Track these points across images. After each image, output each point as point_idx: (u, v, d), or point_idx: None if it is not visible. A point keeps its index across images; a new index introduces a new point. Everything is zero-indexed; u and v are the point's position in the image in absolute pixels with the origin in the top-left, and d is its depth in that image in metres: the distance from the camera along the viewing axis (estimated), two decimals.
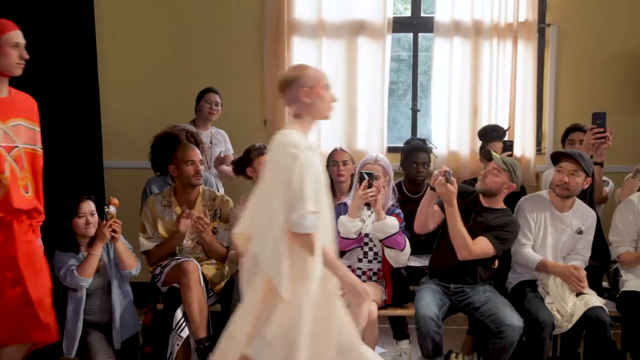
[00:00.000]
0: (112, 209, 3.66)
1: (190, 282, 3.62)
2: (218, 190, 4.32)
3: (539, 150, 5.26)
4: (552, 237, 3.69)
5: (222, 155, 4.86)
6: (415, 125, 5.44)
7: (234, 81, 5.23)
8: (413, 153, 4.34)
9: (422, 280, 3.79)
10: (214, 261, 3.96)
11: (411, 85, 5.44)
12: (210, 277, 3.86)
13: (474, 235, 3.55)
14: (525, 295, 3.63)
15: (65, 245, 3.65)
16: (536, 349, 3.48)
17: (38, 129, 3.12)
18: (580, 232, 3.70)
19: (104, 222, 3.66)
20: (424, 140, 4.52)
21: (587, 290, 3.58)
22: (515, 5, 5.07)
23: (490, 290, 3.67)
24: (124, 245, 3.76)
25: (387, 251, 3.64)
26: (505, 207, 3.69)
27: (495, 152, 3.75)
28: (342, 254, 3.78)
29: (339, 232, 3.71)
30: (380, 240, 3.64)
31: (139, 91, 5.30)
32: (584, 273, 3.55)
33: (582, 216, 3.71)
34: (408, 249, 3.68)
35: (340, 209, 3.91)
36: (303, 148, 2.62)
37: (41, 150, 3.12)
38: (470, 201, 3.70)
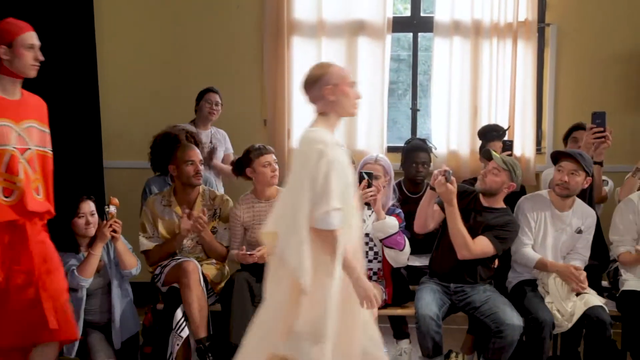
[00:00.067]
0: (112, 209, 3.66)
1: (190, 281, 3.63)
2: (217, 190, 4.32)
3: (538, 149, 5.26)
4: (552, 237, 3.70)
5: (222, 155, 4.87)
6: (415, 125, 5.44)
7: (234, 81, 5.23)
8: (413, 153, 4.34)
9: (422, 279, 3.79)
10: (214, 261, 3.97)
11: (411, 85, 5.44)
12: (211, 277, 3.86)
13: (474, 235, 3.56)
14: (525, 295, 3.63)
15: (65, 245, 3.64)
16: (536, 349, 3.48)
17: (48, 130, 3.11)
18: (580, 231, 3.70)
19: (104, 222, 3.66)
20: (424, 140, 4.52)
21: (587, 289, 3.59)
22: (515, 4, 5.07)
23: (490, 289, 3.67)
24: (124, 245, 3.76)
25: (386, 251, 3.64)
26: (505, 206, 3.69)
27: (495, 151, 3.75)
28: None
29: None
30: (380, 240, 3.64)
31: (138, 91, 5.30)
32: (584, 274, 3.55)
33: (582, 215, 3.72)
34: (408, 248, 3.68)
35: None
36: (330, 145, 2.63)
37: (51, 153, 3.11)
38: (470, 201, 3.70)
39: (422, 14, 5.37)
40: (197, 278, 3.66)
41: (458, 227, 3.51)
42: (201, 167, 3.95)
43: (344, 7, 5.16)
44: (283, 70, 5.15)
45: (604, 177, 4.21)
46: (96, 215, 3.70)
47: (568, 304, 3.53)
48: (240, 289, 3.65)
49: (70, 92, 5.04)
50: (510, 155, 4.00)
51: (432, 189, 3.58)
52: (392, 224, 3.60)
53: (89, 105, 5.14)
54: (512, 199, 3.80)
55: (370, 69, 5.15)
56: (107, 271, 3.73)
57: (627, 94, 5.19)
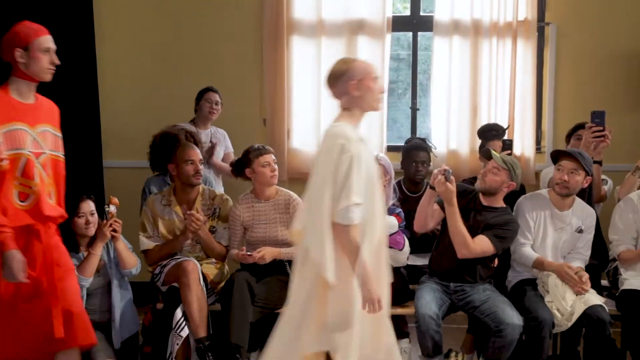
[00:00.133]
0: (112, 209, 3.66)
1: (190, 281, 3.62)
2: (217, 190, 4.31)
3: (538, 148, 5.26)
4: (552, 236, 3.70)
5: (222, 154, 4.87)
6: (415, 124, 5.44)
7: (233, 80, 5.23)
8: (412, 152, 4.34)
9: (422, 279, 3.79)
10: (213, 260, 3.97)
11: (410, 84, 5.44)
12: (210, 277, 3.86)
13: (473, 234, 3.56)
14: (525, 294, 3.63)
15: (65, 245, 3.63)
16: (536, 348, 3.48)
17: (60, 135, 3.11)
18: (580, 230, 3.70)
19: (104, 221, 3.66)
20: (423, 139, 4.52)
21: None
22: (514, 4, 5.07)
23: (490, 288, 3.67)
24: (124, 245, 3.76)
25: None
26: (504, 205, 3.69)
27: (495, 150, 3.75)
28: None
29: None
30: None
31: (138, 91, 5.30)
32: (586, 276, 3.55)
33: (582, 215, 3.72)
34: (407, 248, 3.68)
35: None
36: (353, 140, 2.64)
37: (63, 157, 3.11)
38: (469, 200, 3.70)
39: (421, 13, 5.37)
40: (196, 277, 3.66)
41: (458, 227, 3.51)
42: (201, 167, 3.95)
43: (343, 7, 5.16)
44: (282, 70, 5.15)
45: (603, 177, 4.21)
46: (96, 215, 3.70)
47: (568, 303, 3.53)
48: (240, 289, 3.65)
49: (69, 91, 5.02)
50: (510, 154, 4.01)
51: (432, 188, 3.58)
52: (392, 223, 3.60)
53: (89, 105, 5.14)
54: (511, 198, 3.80)
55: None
56: (107, 271, 3.73)
57: (626, 93, 5.19)
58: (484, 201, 3.68)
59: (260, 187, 3.90)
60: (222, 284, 3.89)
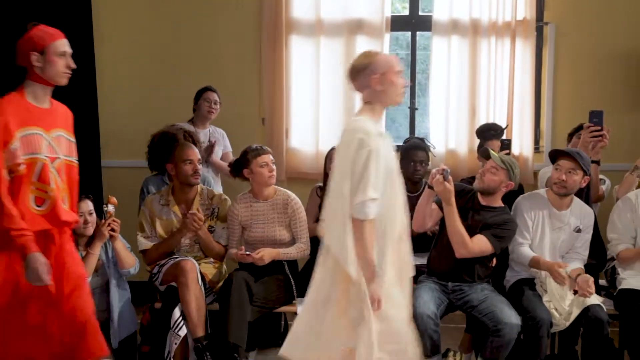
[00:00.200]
0: (110, 208, 3.66)
1: (188, 280, 3.63)
2: (215, 189, 4.31)
3: (536, 148, 5.25)
4: (550, 236, 3.70)
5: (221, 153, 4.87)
6: (413, 123, 5.44)
7: (232, 80, 5.22)
8: (411, 151, 4.34)
9: (420, 278, 3.78)
10: (212, 260, 3.97)
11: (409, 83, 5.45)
12: (209, 277, 3.86)
13: (472, 234, 3.55)
14: (523, 294, 3.63)
15: None
16: (534, 347, 3.48)
17: (74, 140, 3.11)
18: (578, 230, 3.70)
19: (103, 221, 3.66)
20: (422, 139, 4.52)
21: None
22: (513, 3, 5.07)
23: (488, 288, 3.67)
24: (122, 244, 3.76)
25: None
26: (503, 205, 3.69)
27: (493, 150, 3.75)
28: None
29: None
30: None
31: (136, 90, 5.30)
32: (591, 280, 3.54)
33: (581, 215, 3.72)
34: None
35: None
36: (372, 135, 2.64)
37: (77, 162, 3.10)
38: (468, 199, 3.70)
39: (420, 13, 5.37)
40: (195, 277, 3.66)
41: (456, 226, 3.51)
42: (199, 167, 3.95)
43: (342, 6, 5.15)
44: (281, 69, 5.15)
45: (601, 176, 4.21)
46: (94, 215, 3.71)
47: (566, 302, 3.54)
48: (239, 288, 3.65)
49: (68, 91, 4.99)
50: (509, 154, 4.01)
51: (430, 187, 3.58)
52: None
53: (87, 105, 5.13)
54: (510, 197, 3.80)
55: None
56: (105, 270, 3.73)
57: (625, 93, 5.19)
58: (483, 201, 3.68)
59: (259, 187, 3.90)
60: (221, 283, 3.89)
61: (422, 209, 3.67)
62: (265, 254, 3.78)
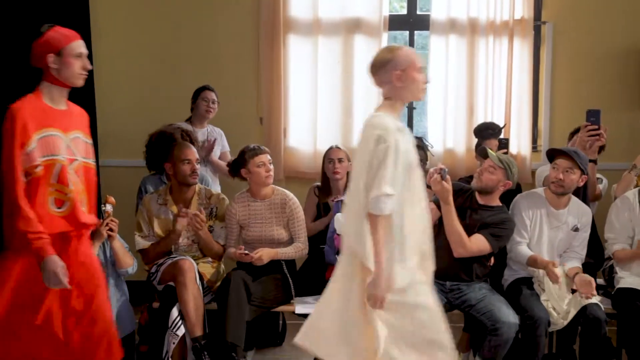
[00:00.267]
0: (109, 208, 3.65)
1: (186, 280, 3.62)
2: (213, 189, 4.31)
3: (534, 147, 5.26)
4: (547, 235, 3.70)
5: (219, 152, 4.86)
6: (411, 123, 5.44)
7: (230, 79, 5.22)
8: None
9: None
10: (209, 259, 3.97)
11: None
12: (207, 276, 3.86)
13: (469, 233, 3.56)
14: (521, 293, 3.64)
15: None
16: (532, 346, 3.48)
17: (91, 141, 3.09)
18: (576, 229, 3.71)
19: (101, 220, 3.65)
20: (420, 138, 4.52)
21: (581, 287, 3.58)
22: (511, 2, 5.07)
23: (486, 287, 3.67)
24: (120, 244, 3.76)
25: None
26: (501, 204, 3.70)
27: (491, 149, 3.75)
28: (338, 251, 3.78)
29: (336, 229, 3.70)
30: None
31: (134, 90, 5.29)
32: (592, 281, 3.53)
33: (578, 213, 3.72)
34: None
35: (338, 207, 3.92)
36: (391, 130, 2.62)
37: (94, 164, 3.08)
38: (466, 199, 3.70)
39: (418, 12, 5.37)
40: (193, 276, 3.66)
41: (454, 225, 3.52)
42: (197, 166, 3.95)
43: (340, 5, 5.15)
44: (279, 69, 5.14)
45: (598, 175, 4.21)
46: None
47: (564, 301, 3.54)
48: (237, 288, 3.65)
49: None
50: (506, 153, 4.02)
51: (428, 187, 3.58)
52: None
53: (85, 104, 5.02)
54: (508, 196, 3.80)
55: (366, 67, 5.13)
56: (103, 270, 3.72)
57: (623, 92, 5.19)
58: (480, 200, 3.68)
59: (256, 186, 3.90)
60: (219, 283, 3.88)
61: None
62: (264, 254, 3.78)
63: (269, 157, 3.90)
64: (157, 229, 3.92)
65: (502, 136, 4.50)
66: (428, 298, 2.77)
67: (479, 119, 5.06)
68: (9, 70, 4.50)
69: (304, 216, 4.00)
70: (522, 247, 3.69)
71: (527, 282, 3.72)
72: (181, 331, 3.59)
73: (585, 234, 3.73)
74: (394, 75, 2.69)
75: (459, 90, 5.15)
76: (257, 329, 4.16)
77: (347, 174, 4.27)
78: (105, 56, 5.22)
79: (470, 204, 3.68)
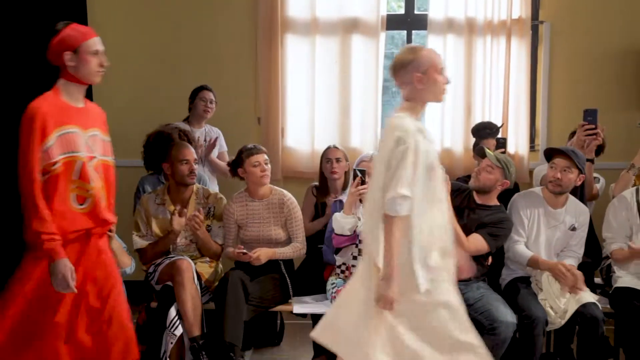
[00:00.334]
0: None
1: (184, 280, 3.62)
2: (211, 188, 4.31)
3: (532, 147, 5.26)
4: (545, 234, 3.71)
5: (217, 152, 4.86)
6: None
7: (228, 79, 5.22)
8: None
9: None
10: (207, 259, 3.97)
11: None
12: (206, 276, 3.86)
13: (467, 232, 3.56)
14: (518, 292, 3.64)
15: None
16: (529, 346, 3.48)
17: (109, 139, 3.08)
18: (573, 228, 3.71)
19: None
20: None
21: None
22: (508, 2, 5.07)
23: (484, 286, 3.68)
24: (118, 244, 3.75)
25: None
26: (498, 203, 3.70)
27: (489, 149, 3.76)
28: (336, 251, 3.79)
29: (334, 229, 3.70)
30: None
31: (131, 90, 5.28)
32: (582, 276, 3.55)
33: (576, 213, 3.73)
34: None
35: (336, 206, 3.92)
36: (411, 132, 2.62)
37: (113, 162, 3.07)
38: (463, 198, 3.71)
39: (416, 12, 5.37)
40: (190, 276, 3.66)
41: (452, 225, 3.51)
42: (195, 167, 3.95)
43: (337, 5, 5.15)
44: (277, 68, 5.14)
45: (595, 175, 4.22)
46: None
47: (561, 301, 3.54)
48: (234, 288, 3.65)
49: None
50: (504, 152, 4.02)
51: None
52: None
53: None
54: (505, 196, 3.80)
55: (364, 66, 5.15)
56: None
57: (620, 91, 5.20)
58: (478, 199, 3.68)
59: (254, 186, 3.90)
60: (217, 282, 3.88)
61: None
62: (262, 254, 3.78)
63: (265, 156, 3.90)
64: (155, 229, 3.91)
65: (499, 136, 4.50)
66: (451, 296, 2.77)
67: (477, 119, 5.06)
68: (9, 70, 4.51)
69: (302, 216, 4.00)
70: (520, 246, 3.69)
71: (525, 281, 3.73)
72: (179, 331, 3.59)
73: (582, 233, 3.74)
74: (414, 77, 2.68)
75: (456, 90, 5.14)
76: (255, 328, 4.16)
77: (345, 173, 4.27)
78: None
79: (468, 204, 3.69)
